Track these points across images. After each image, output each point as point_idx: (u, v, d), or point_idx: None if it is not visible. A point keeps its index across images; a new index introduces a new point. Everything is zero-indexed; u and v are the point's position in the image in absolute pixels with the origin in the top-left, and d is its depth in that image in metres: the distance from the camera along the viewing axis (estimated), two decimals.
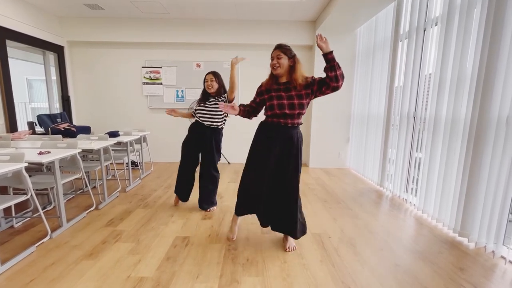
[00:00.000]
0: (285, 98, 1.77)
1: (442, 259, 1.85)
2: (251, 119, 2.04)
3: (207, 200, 2.65)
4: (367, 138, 3.92)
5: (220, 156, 2.65)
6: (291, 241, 1.99)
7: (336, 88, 1.74)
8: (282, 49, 1.79)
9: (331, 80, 1.72)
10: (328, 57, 1.70)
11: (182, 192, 2.72)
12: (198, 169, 2.67)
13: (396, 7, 3.16)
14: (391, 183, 3.27)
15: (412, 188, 2.93)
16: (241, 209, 2.06)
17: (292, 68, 1.80)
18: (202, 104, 2.50)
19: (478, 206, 2.01)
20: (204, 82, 2.48)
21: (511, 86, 1.79)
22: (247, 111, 1.98)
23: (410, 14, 2.88)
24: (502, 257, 1.86)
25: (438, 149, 2.42)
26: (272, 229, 2.04)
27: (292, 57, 1.80)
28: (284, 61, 1.78)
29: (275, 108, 1.78)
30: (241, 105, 1.99)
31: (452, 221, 2.23)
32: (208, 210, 2.65)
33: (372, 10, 3.43)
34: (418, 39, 2.74)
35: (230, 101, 2.46)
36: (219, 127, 2.55)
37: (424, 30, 2.68)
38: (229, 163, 4.92)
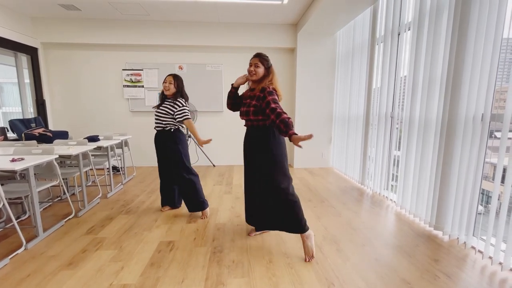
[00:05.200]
0: (251, 105, 1.86)
1: (418, 252, 1.95)
2: (233, 109, 2.12)
3: (191, 207, 2.56)
4: (348, 138, 4.04)
5: (184, 158, 2.47)
6: (308, 249, 1.86)
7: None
8: (260, 58, 1.85)
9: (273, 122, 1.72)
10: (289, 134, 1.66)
11: (166, 199, 2.72)
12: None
13: (372, 12, 3.30)
14: (371, 181, 3.39)
15: (391, 185, 3.06)
16: (247, 219, 2.19)
17: (262, 78, 1.87)
18: (156, 107, 2.47)
19: (450, 200, 2.14)
20: (163, 82, 2.45)
21: (476, 87, 1.92)
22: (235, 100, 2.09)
23: (385, 18, 3.02)
24: (473, 247, 1.99)
25: (413, 147, 2.55)
26: (270, 229, 2.08)
27: (268, 68, 1.87)
28: (260, 70, 1.85)
29: (241, 114, 1.96)
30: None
31: (427, 216, 2.36)
32: (202, 217, 2.56)
33: (350, 14, 3.55)
34: (393, 43, 2.87)
35: (180, 121, 2.43)
36: (167, 128, 2.43)
37: (398, 34, 2.82)
38: (214, 165, 4.89)
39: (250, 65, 1.87)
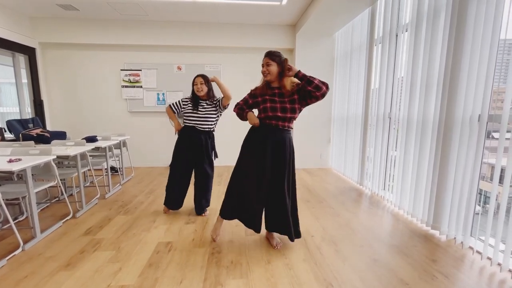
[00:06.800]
0: (278, 102, 1.86)
1: (416, 252, 1.96)
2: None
3: (205, 205, 2.65)
4: (347, 139, 4.05)
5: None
6: (276, 238, 2.07)
7: (322, 95, 1.80)
8: (270, 56, 1.86)
9: (315, 89, 1.79)
10: (300, 76, 1.82)
11: (174, 201, 2.63)
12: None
13: (370, 13, 3.32)
14: (369, 181, 3.39)
15: (389, 185, 3.06)
16: (228, 213, 2.08)
17: (281, 74, 1.86)
18: (194, 110, 2.45)
19: (447, 200, 2.15)
20: (193, 85, 2.45)
21: (474, 88, 1.93)
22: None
23: (383, 20, 3.03)
24: (470, 247, 2.00)
25: (411, 147, 2.56)
26: (268, 229, 2.08)
27: (281, 63, 1.86)
28: (273, 68, 1.85)
29: (268, 111, 1.86)
30: (248, 110, 2.02)
31: (425, 216, 2.37)
32: (204, 214, 2.64)
33: (349, 15, 3.56)
34: (391, 44, 2.88)
35: (225, 106, 2.50)
36: (212, 130, 2.56)
37: (396, 35, 2.83)
38: None
39: (262, 66, 1.88)
